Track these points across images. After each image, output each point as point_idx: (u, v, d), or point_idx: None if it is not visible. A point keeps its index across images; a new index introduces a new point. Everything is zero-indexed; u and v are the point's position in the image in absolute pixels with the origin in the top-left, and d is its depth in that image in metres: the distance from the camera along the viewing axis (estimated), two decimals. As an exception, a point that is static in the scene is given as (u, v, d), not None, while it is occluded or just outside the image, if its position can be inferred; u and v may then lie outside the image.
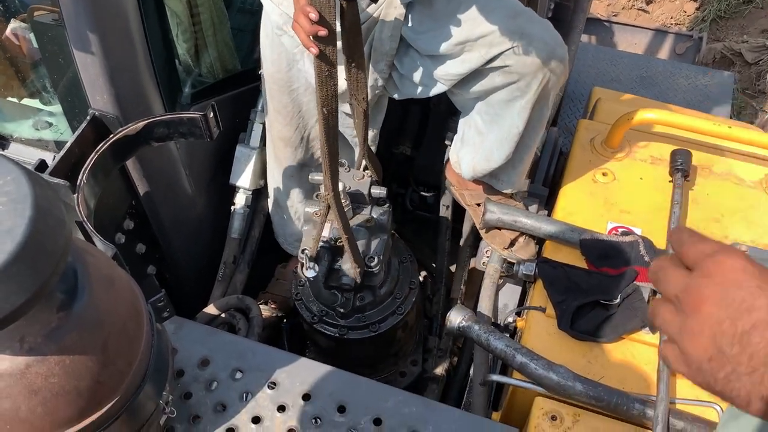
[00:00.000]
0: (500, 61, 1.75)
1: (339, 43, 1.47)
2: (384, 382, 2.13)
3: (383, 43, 1.85)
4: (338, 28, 1.43)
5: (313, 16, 1.34)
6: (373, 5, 1.78)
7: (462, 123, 2.04)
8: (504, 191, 2.11)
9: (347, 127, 2.01)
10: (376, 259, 1.80)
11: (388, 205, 1.87)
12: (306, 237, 1.84)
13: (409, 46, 1.86)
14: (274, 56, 1.96)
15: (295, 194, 2.24)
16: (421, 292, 2.14)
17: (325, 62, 1.41)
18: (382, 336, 1.95)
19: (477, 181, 2.11)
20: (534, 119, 1.88)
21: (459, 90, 1.90)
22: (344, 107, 1.84)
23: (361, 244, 1.79)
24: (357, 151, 1.92)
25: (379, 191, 1.83)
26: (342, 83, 1.59)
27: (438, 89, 1.89)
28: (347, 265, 1.80)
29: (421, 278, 2.08)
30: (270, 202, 2.32)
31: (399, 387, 2.14)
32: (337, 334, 1.91)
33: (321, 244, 1.78)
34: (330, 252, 1.80)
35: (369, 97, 1.87)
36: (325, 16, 1.36)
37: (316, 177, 1.91)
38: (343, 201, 1.70)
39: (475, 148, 1.99)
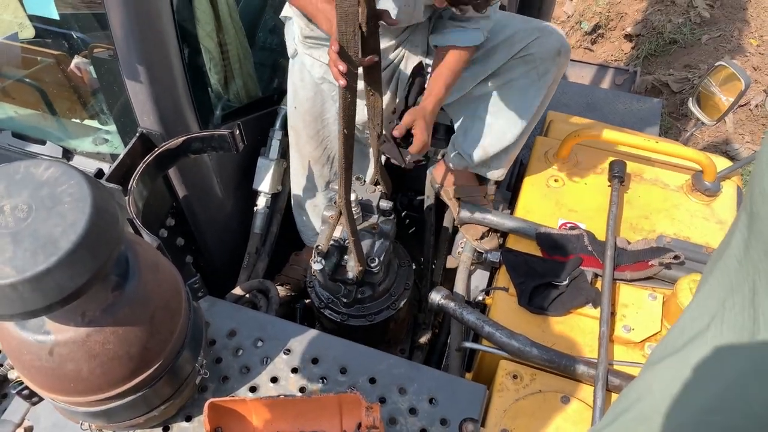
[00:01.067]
0: (524, 51, 1.73)
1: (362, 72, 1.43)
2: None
3: (407, 77, 1.78)
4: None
5: (335, 47, 1.29)
6: (395, 52, 1.74)
7: (460, 123, 1.98)
8: (491, 177, 2.07)
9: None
10: (376, 261, 1.73)
11: (393, 216, 1.80)
12: (321, 235, 1.78)
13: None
14: (310, 95, 1.95)
15: (319, 201, 2.23)
16: (414, 286, 2.06)
17: (349, 92, 1.36)
18: (377, 326, 1.89)
19: (466, 173, 2.06)
20: (544, 101, 1.84)
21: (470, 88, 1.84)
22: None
23: (365, 245, 1.73)
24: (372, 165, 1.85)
25: (386, 204, 1.76)
26: (364, 111, 1.55)
27: (455, 96, 1.86)
28: (352, 263, 1.73)
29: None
30: (294, 205, 2.30)
31: None
32: (339, 320, 1.86)
33: (332, 242, 1.73)
34: (339, 250, 1.74)
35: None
36: (349, 51, 1.31)
37: (336, 187, 1.86)
38: (354, 208, 1.64)
39: (484, 135, 1.93)
